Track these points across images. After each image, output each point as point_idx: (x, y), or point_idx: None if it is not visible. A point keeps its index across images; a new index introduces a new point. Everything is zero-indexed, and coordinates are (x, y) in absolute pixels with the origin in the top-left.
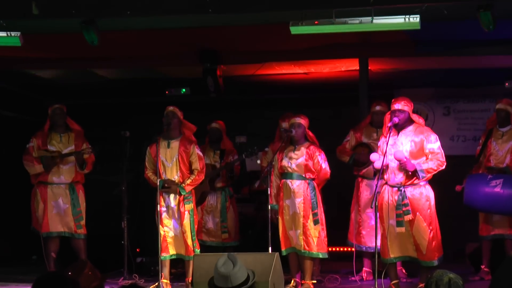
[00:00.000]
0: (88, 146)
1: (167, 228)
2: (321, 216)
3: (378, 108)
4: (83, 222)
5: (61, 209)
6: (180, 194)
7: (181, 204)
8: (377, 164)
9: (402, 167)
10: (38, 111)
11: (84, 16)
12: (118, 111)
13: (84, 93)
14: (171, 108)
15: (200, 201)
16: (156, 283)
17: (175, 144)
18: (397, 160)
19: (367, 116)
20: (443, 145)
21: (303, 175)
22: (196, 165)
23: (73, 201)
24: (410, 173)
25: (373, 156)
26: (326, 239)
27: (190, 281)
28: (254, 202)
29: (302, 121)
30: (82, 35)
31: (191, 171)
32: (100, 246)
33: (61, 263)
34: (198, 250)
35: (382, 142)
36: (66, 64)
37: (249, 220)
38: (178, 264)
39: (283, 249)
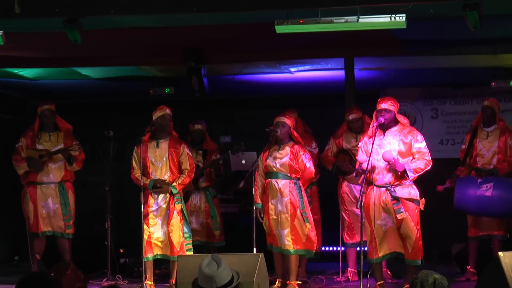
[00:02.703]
0: (76, 143)
1: (152, 229)
2: (309, 215)
3: (351, 117)
4: (72, 221)
5: (50, 209)
6: (171, 194)
7: (171, 203)
8: (366, 165)
9: (391, 167)
10: (21, 110)
11: (67, 15)
12: (102, 111)
13: (68, 93)
14: (168, 111)
15: (183, 201)
16: (140, 284)
17: (164, 144)
18: (386, 161)
19: (343, 124)
20: (432, 149)
21: (288, 175)
22: (186, 165)
23: (63, 200)
24: (399, 173)
25: (361, 157)
26: (316, 237)
27: (174, 282)
28: (239, 202)
29: (287, 120)
30: (66, 34)
31: (180, 171)
32: (84, 246)
33: (44, 264)
34: (189, 251)
35: (364, 142)
36: (50, 63)
37: (234, 220)
38: (162, 265)
39: (274, 246)
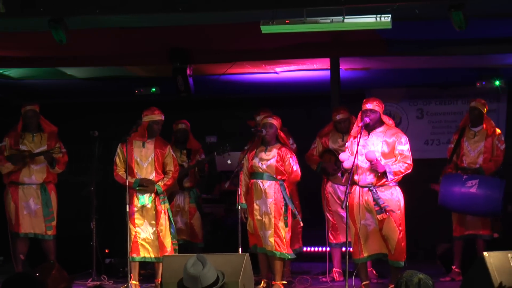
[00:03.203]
0: (58, 146)
1: (138, 229)
2: (289, 218)
3: (338, 117)
4: (54, 223)
5: (31, 210)
6: (157, 194)
7: (157, 203)
8: (346, 164)
9: (373, 167)
10: (6, 110)
11: (53, 15)
12: (87, 111)
13: (53, 93)
14: (163, 117)
15: (168, 201)
16: (125, 285)
17: (150, 144)
18: (368, 161)
19: (330, 123)
20: (417, 149)
21: (274, 176)
22: (171, 166)
23: (45, 202)
24: (379, 174)
25: (342, 156)
26: (289, 240)
27: (159, 282)
28: (225, 202)
29: (274, 121)
30: (51, 34)
31: (164, 172)
32: (69, 247)
33: (29, 264)
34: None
35: (350, 142)
36: (34, 63)
37: (219, 221)
38: (148, 265)
39: (250, 247)
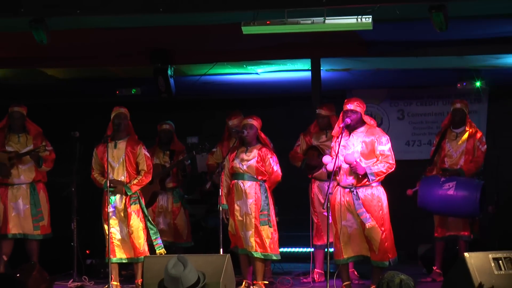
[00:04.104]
0: (43, 144)
1: (114, 230)
2: (273, 218)
3: (318, 111)
4: (42, 222)
5: (20, 210)
6: (126, 195)
7: (127, 205)
8: (330, 167)
9: (353, 170)
10: None
11: (33, 15)
12: (68, 111)
13: (33, 93)
14: (122, 109)
15: (150, 202)
16: (106, 285)
17: (122, 144)
18: (347, 164)
19: (314, 121)
20: (399, 150)
21: (255, 177)
22: (143, 165)
23: (34, 201)
24: (360, 176)
25: (325, 159)
26: (277, 240)
27: (140, 283)
28: (206, 203)
29: (255, 122)
30: (31, 34)
31: (137, 172)
32: (50, 247)
33: (10, 265)
34: (160, 248)
35: (334, 143)
36: (15, 63)
37: (201, 221)
38: (129, 266)
39: (231, 247)
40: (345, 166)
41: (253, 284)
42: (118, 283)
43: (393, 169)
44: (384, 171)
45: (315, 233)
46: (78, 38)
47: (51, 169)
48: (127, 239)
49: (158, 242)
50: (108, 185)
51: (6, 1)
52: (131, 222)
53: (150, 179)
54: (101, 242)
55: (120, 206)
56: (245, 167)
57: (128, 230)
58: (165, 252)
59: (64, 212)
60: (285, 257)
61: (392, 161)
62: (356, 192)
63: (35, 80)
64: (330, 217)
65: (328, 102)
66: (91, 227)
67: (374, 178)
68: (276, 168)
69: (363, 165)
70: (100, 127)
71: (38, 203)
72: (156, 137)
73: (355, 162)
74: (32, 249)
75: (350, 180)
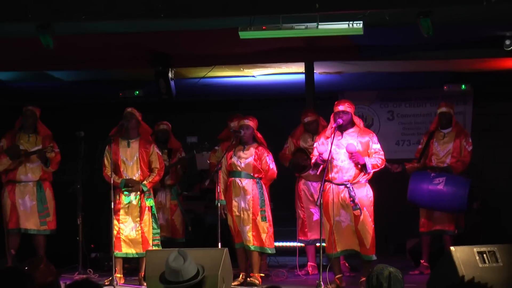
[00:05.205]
0: (51, 145)
1: (122, 225)
2: (268, 213)
3: (306, 120)
4: (48, 218)
5: (27, 206)
6: (142, 192)
7: (142, 200)
8: (325, 155)
9: (354, 159)
10: None
11: (40, 20)
12: (73, 112)
13: (40, 95)
14: (129, 109)
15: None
16: (110, 278)
17: (135, 144)
18: (349, 152)
19: (300, 124)
20: (389, 149)
21: (251, 174)
22: (156, 163)
23: (40, 198)
24: (359, 166)
25: (321, 148)
26: (273, 235)
27: (143, 275)
28: (205, 199)
29: (251, 123)
30: (38, 39)
31: (150, 170)
32: (56, 242)
33: (18, 259)
34: (156, 246)
35: (320, 142)
36: (23, 66)
37: (200, 217)
38: (131, 260)
39: (237, 243)
40: (340, 164)
41: (250, 277)
42: (122, 276)
43: (384, 165)
44: (379, 164)
45: (300, 228)
46: (83, 42)
47: (57, 169)
48: (138, 234)
49: (157, 240)
50: (125, 184)
51: (15, 7)
52: (144, 218)
53: (162, 176)
54: (105, 237)
55: (134, 202)
56: (242, 165)
57: (140, 226)
58: None
59: (69, 208)
60: (280, 251)
61: (383, 157)
62: (352, 187)
63: (42, 82)
64: (321, 213)
65: (309, 108)
66: (96, 222)
67: (371, 168)
68: (272, 166)
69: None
70: (104, 127)
71: (45, 200)
72: (153, 136)
73: (356, 152)
74: (39, 243)
75: (347, 177)
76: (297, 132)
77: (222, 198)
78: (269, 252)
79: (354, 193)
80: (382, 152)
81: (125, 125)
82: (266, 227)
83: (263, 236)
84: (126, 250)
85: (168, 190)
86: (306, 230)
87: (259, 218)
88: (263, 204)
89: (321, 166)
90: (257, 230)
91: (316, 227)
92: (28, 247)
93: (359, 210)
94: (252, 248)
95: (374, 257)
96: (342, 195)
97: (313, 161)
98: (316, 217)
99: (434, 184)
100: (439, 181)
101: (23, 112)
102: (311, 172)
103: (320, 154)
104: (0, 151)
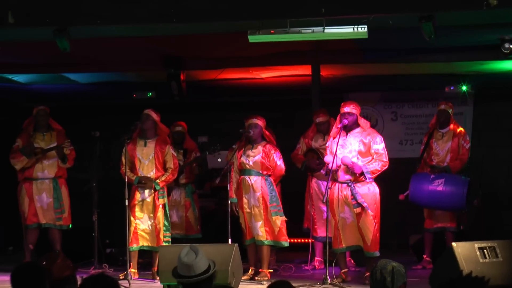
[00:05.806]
0: (68, 141)
1: (138, 221)
2: (280, 208)
3: (318, 120)
4: (64, 215)
5: (44, 203)
6: (155, 190)
7: (156, 198)
8: (331, 165)
9: (350, 171)
10: (15, 112)
11: (57, 25)
12: (89, 113)
13: (57, 96)
14: (146, 111)
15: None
16: (125, 272)
17: (151, 143)
18: (345, 165)
19: (312, 124)
20: (392, 149)
21: (260, 172)
22: (171, 164)
23: (56, 195)
24: (357, 175)
25: (328, 158)
26: (286, 229)
27: (156, 270)
28: (215, 197)
29: (259, 122)
30: (55, 43)
31: (164, 169)
32: (72, 238)
33: (36, 253)
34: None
35: (330, 142)
36: (41, 69)
37: (210, 214)
38: (145, 255)
39: (247, 239)
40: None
41: (259, 272)
42: (136, 270)
43: (387, 166)
44: (379, 169)
45: (313, 225)
46: (98, 46)
47: (72, 166)
48: (152, 229)
49: (167, 237)
50: (138, 181)
51: (32, 12)
52: (158, 214)
53: (176, 176)
54: (119, 232)
55: (149, 199)
56: (251, 163)
57: (154, 222)
58: None
59: (85, 206)
60: (288, 246)
61: (385, 159)
62: (354, 186)
63: (58, 84)
64: (327, 210)
65: (321, 108)
66: (110, 219)
67: (370, 176)
68: (280, 162)
69: (360, 163)
70: (119, 128)
71: (60, 196)
72: (169, 137)
73: (351, 163)
74: (55, 238)
75: (349, 176)
76: (310, 133)
77: (233, 196)
78: (285, 245)
79: (356, 191)
80: (384, 153)
81: (141, 125)
82: (278, 222)
83: (276, 230)
84: (142, 243)
85: (182, 188)
86: (316, 227)
87: (270, 213)
88: (273, 200)
89: (330, 174)
90: (270, 225)
91: (324, 224)
92: (45, 243)
93: (359, 208)
94: (266, 243)
95: (377, 254)
96: (345, 192)
97: (323, 172)
98: (325, 215)
99: (434, 185)
100: (439, 182)
101: (36, 112)
102: (322, 172)
103: (327, 164)
104: (15, 150)
